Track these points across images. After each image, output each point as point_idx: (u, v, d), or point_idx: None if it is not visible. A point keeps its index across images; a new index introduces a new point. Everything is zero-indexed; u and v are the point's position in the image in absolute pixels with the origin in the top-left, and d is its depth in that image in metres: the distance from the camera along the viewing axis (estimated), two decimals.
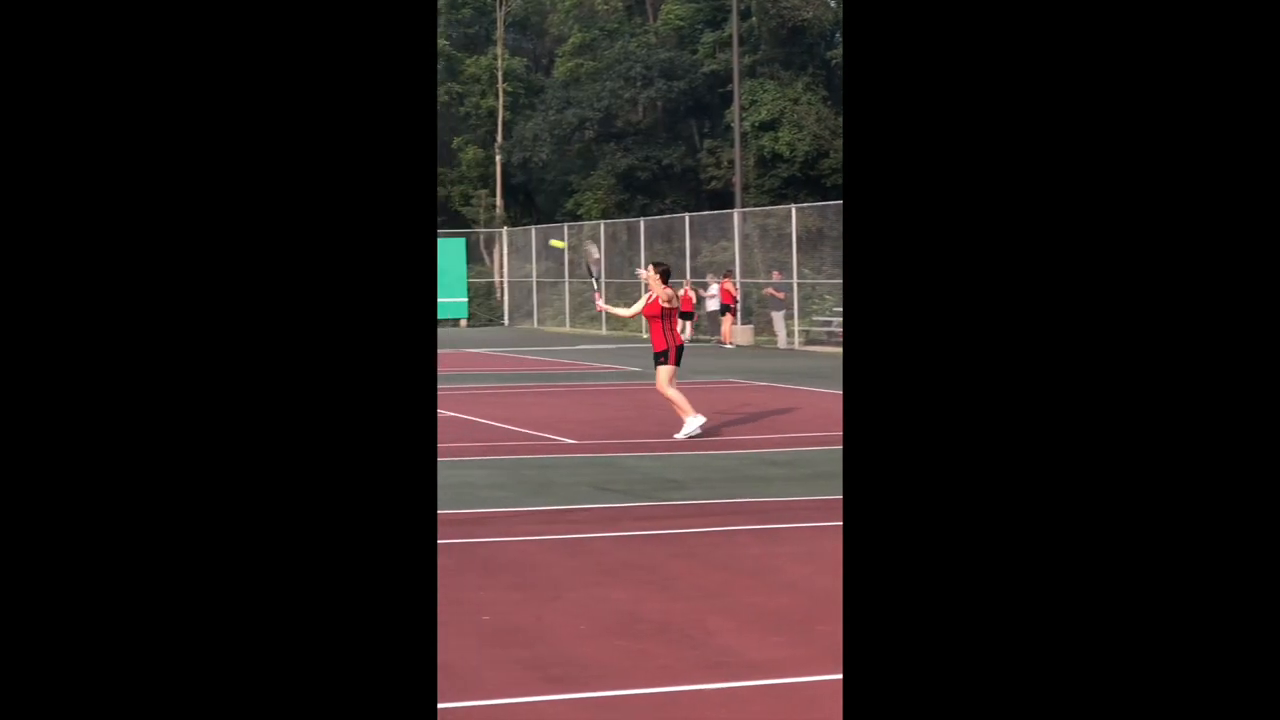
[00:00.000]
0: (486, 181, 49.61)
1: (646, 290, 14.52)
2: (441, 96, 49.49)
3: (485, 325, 44.35)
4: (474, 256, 47.20)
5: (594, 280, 16.00)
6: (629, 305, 14.99)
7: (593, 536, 9.22)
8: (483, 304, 45.70)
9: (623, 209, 44.03)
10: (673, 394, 14.24)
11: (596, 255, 16.38)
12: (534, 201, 51.68)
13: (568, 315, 41.56)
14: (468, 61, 50.10)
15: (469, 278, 45.24)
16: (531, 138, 45.95)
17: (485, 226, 48.45)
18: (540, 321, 43.23)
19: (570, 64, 47.62)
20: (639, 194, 45.03)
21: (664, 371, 14.18)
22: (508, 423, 15.87)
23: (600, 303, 15.77)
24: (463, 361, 27.52)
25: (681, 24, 46.20)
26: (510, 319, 44.98)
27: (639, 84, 44.72)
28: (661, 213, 41.46)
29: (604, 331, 38.72)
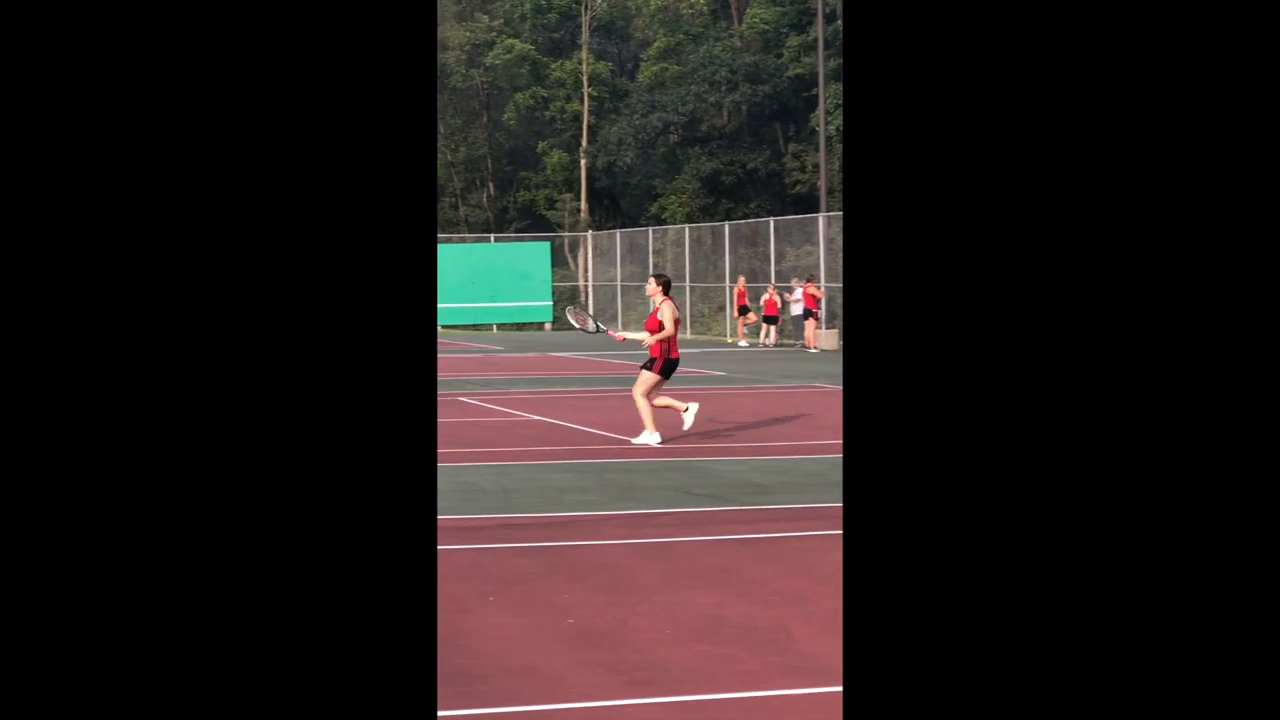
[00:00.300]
0: (571, 185, 49.79)
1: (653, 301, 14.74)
2: (526, 101, 49.74)
3: (570, 329, 44.48)
4: (558, 260, 47.40)
5: (599, 329, 16.19)
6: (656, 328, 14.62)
7: (677, 541, 9.25)
8: (567, 307, 45.85)
9: (707, 213, 44.02)
10: (641, 403, 14.29)
11: (590, 326, 16.45)
12: (618, 205, 51.78)
13: None
14: (553, 66, 50.31)
15: (553, 281, 45.43)
16: (616, 142, 46.06)
17: (570, 230, 48.62)
18: (625, 325, 43.33)
19: (655, 68, 47.68)
20: (723, 198, 45.00)
21: (645, 378, 14.26)
22: (593, 426, 15.93)
23: (618, 334, 16.12)
24: (547, 365, 27.65)
25: (766, 28, 46.13)
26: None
27: (724, 88, 44.70)
28: (746, 217, 41.41)
29: (688, 335, 38.72)
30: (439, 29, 52.41)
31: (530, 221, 51.98)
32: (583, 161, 48.91)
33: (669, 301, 14.35)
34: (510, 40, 50.76)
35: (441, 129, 52.29)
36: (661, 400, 14.61)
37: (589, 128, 48.85)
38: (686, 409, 14.66)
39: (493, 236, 48.92)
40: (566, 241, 48.87)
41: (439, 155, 52.24)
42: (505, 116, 52.23)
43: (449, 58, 51.50)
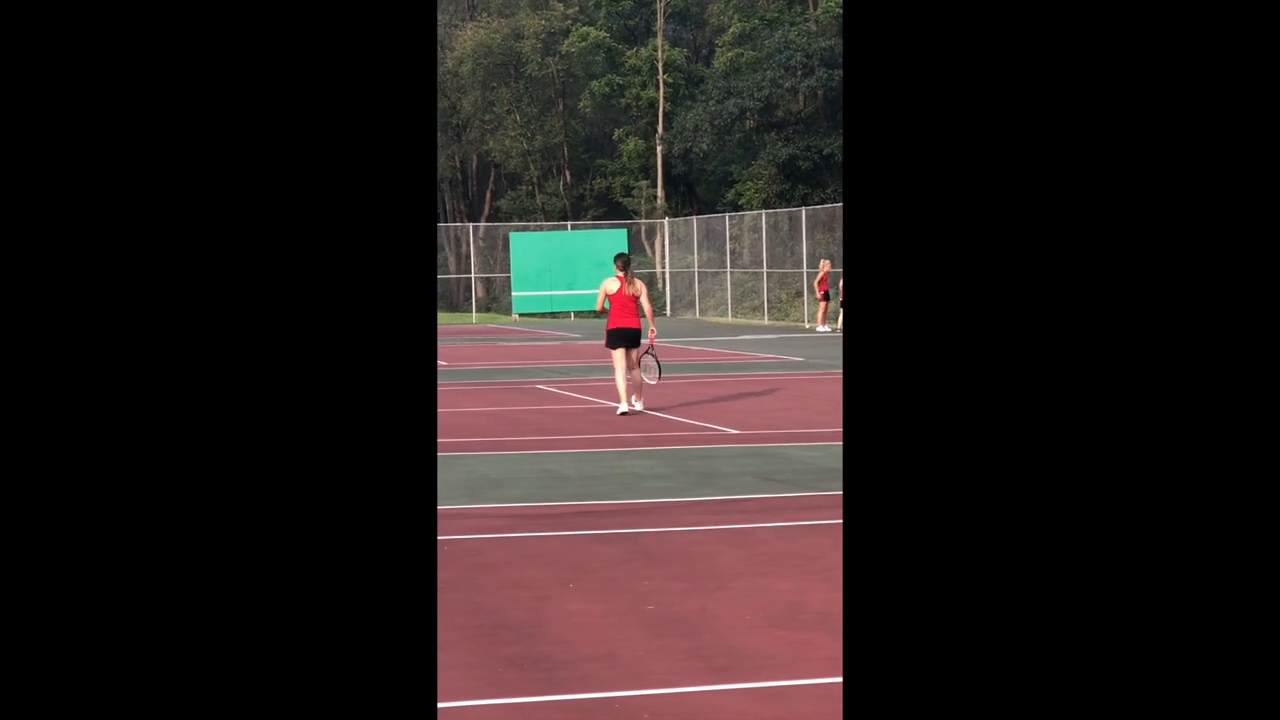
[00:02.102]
0: (648, 172, 49.79)
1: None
2: (602, 88, 49.77)
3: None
4: (635, 247, 47.41)
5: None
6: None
7: (757, 527, 9.24)
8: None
9: (784, 199, 43.86)
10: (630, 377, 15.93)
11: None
12: (694, 192, 51.73)
13: (729, 305, 41.55)
14: (628, 53, 50.30)
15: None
16: (692, 128, 45.99)
17: (646, 217, 48.63)
18: (702, 312, 43.27)
19: (730, 54, 47.55)
20: (800, 183, 44.82)
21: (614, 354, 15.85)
22: (671, 413, 15.94)
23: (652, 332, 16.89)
24: None
25: (842, 12, 45.85)
26: (672, 309, 45.09)
27: (799, 73, 44.51)
28: (822, 202, 41.22)
29: (766, 321, 38.63)
30: (515, 19, 52.59)
31: (607, 209, 52.03)
32: (659, 148, 48.88)
33: (615, 281, 15.86)
34: (585, 28, 50.78)
35: (517, 118, 52.47)
36: (625, 378, 15.77)
37: (665, 114, 48.79)
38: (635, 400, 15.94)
39: (569, 224, 49.03)
40: (643, 228, 48.87)
41: (516, 144, 52.43)
42: (581, 104, 52.29)
43: (524, 46, 51.65)
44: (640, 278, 47.40)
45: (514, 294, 44.92)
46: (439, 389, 18.19)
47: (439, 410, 16.22)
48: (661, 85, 48.85)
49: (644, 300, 15.87)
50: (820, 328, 34.36)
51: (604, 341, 16.02)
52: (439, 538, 8.81)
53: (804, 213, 38.55)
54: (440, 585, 7.47)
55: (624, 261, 16.03)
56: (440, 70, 54.00)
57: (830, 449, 12.82)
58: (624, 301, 15.90)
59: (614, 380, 16.04)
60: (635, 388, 15.99)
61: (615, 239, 44.63)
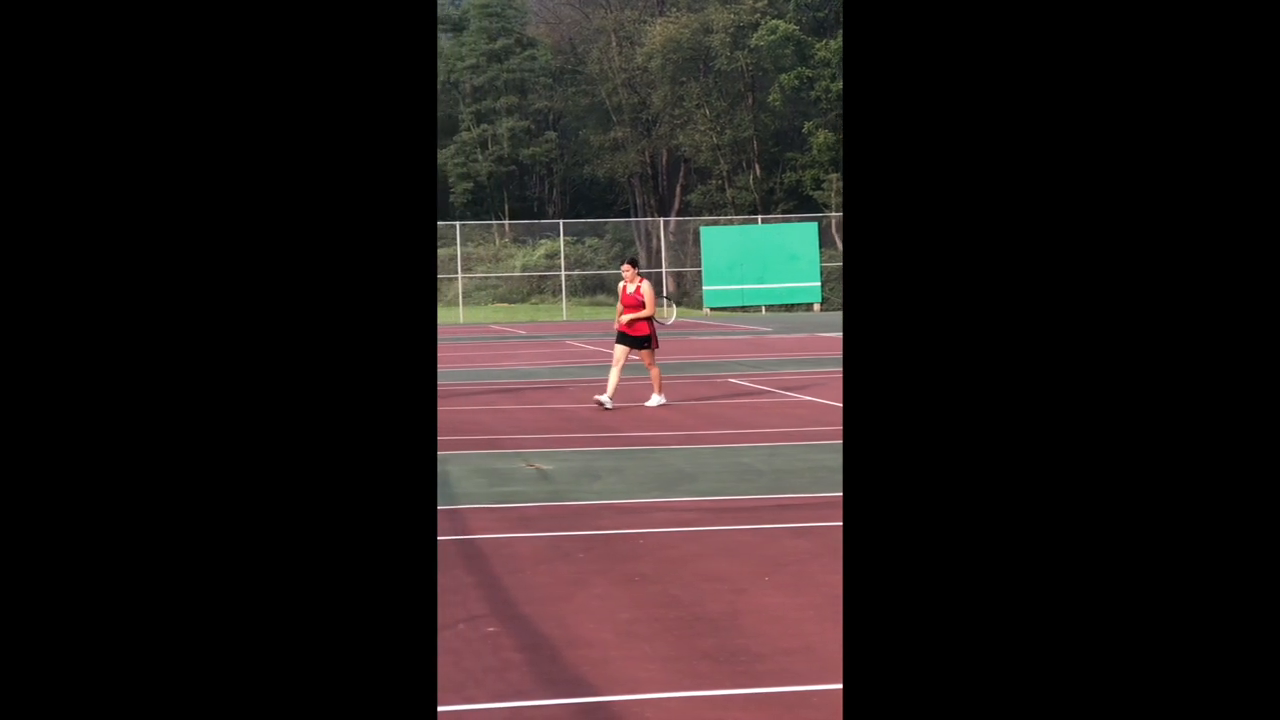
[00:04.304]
0: (838, 165, 49.47)
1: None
2: (791, 81, 49.61)
3: (839, 309, 44.22)
4: (826, 240, 47.14)
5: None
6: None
7: None
8: (836, 287, 45.65)
9: None
10: (654, 373, 16.59)
11: (671, 319, 17.80)
12: None
13: None
14: (817, 45, 50.05)
15: (821, 262, 45.23)
16: None
17: (837, 210, 48.32)
18: None
19: None
20: None
21: (647, 353, 16.46)
22: None
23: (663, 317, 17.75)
24: (816, 345, 27.56)
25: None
26: None
27: None
28: None
29: None
30: (704, 13, 52.66)
31: (797, 202, 51.84)
32: None
33: (645, 280, 16.49)
34: (774, 21, 50.66)
35: (707, 112, 52.56)
36: (618, 374, 16.28)
37: None
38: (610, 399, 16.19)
39: (760, 218, 48.96)
40: (833, 221, 48.57)
41: (705, 138, 52.52)
42: (770, 98, 52.17)
43: (713, 40, 51.72)
44: (831, 271, 47.04)
45: (705, 288, 45.02)
46: (630, 384, 18.34)
47: (631, 404, 16.37)
48: None
49: (647, 297, 16.44)
50: None
51: (655, 343, 16.60)
52: (623, 531, 8.88)
53: None
54: (636, 578, 7.52)
55: (633, 263, 16.92)
56: (630, 66, 54.39)
57: None
58: (630, 302, 16.54)
59: (655, 375, 16.60)
60: (656, 382, 16.55)
61: (806, 233, 44.47)
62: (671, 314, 17.49)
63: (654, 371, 16.55)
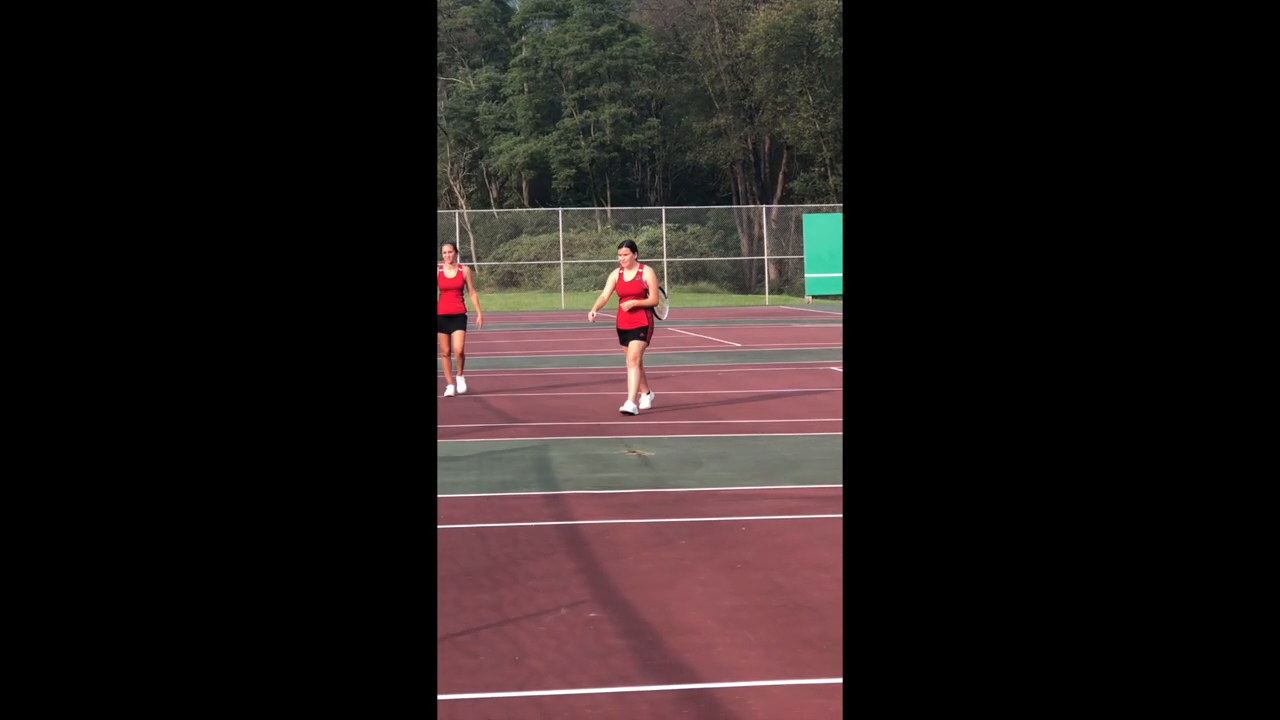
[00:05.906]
0: None
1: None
2: None
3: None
4: None
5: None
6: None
7: None
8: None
9: None
10: (637, 371, 14.47)
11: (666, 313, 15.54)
12: None
13: None
14: None
15: None
16: None
17: None
18: None
19: None
20: None
21: (639, 347, 14.43)
22: None
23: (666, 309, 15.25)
24: None
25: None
26: None
27: None
28: None
29: None
30: (806, 0, 52.42)
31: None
32: None
33: (647, 267, 14.54)
34: None
35: (810, 99, 52.32)
36: (637, 372, 14.49)
37: None
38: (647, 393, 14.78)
39: None
40: None
41: (808, 125, 52.28)
42: None
43: (817, 27, 51.46)
44: None
45: (807, 275, 44.86)
46: (733, 371, 18.31)
47: (734, 391, 16.32)
48: None
49: (651, 284, 14.50)
50: None
51: (649, 335, 14.68)
52: (726, 518, 8.86)
53: None
54: (740, 565, 7.51)
55: (632, 246, 14.65)
56: (732, 53, 54.26)
57: None
58: (628, 290, 14.61)
59: (637, 374, 14.59)
60: (643, 382, 14.68)
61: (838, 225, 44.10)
62: (666, 308, 15.09)
63: (636, 373, 14.43)
